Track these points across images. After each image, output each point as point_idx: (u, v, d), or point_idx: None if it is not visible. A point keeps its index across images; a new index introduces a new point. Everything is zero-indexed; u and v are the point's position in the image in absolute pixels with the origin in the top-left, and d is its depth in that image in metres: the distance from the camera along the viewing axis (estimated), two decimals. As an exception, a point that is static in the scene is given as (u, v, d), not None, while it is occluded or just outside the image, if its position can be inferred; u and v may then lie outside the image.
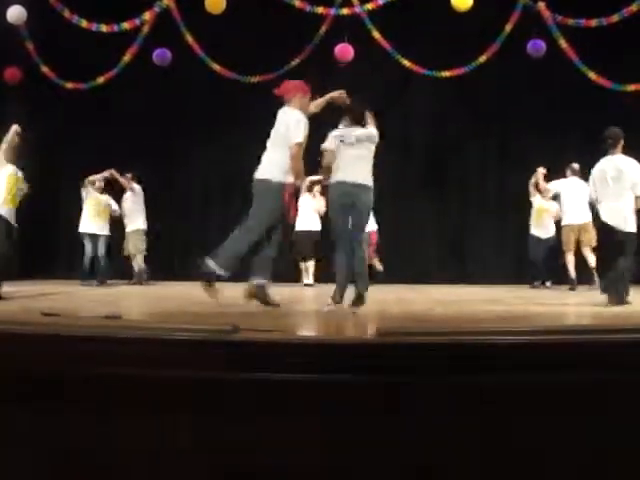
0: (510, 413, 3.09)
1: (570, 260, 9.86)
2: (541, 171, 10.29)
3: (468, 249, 11.88)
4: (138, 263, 10.78)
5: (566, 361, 3.13)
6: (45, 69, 10.61)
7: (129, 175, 10.93)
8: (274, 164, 5.78)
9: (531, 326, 4.52)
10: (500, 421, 3.10)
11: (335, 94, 6.11)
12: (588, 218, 9.22)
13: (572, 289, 9.61)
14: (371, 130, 5.90)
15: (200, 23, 10.19)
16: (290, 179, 5.81)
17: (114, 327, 3.81)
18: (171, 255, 12.20)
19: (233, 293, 6.01)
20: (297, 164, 5.83)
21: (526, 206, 11.30)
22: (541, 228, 10.59)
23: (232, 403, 3.17)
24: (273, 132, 5.91)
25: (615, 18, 9.69)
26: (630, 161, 6.80)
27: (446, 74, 10.48)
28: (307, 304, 5.93)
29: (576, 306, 7.12)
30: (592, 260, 9.56)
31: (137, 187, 10.96)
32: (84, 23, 10.15)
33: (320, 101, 6.14)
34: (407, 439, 3.11)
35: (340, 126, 5.95)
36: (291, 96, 5.91)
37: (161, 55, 10.31)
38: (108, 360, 3.27)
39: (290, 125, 5.75)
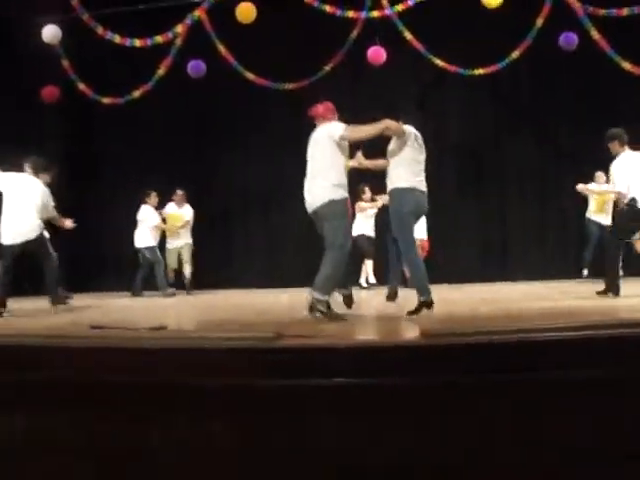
0: (562, 409, 3.06)
1: None
2: (591, 188, 9.90)
3: (508, 246, 11.76)
4: (188, 273, 11.34)
5: (621, 356, 3.09)
6: (82, 86, 10.78)
7: (177, 197, 11.35)
8: (331, 185, 5.57)
9: (580, 321, 4.45)
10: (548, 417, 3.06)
11: (392, 125, 5.79)
12: None
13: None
14: None
15: (231, 33, 10.25)
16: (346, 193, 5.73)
17: (160, 338, 3.85)
18: (213, 264, 12.28)
19: (277, 299, 6.00)
20: (365, 130, 5.74)
21: (565, 200, 11.14)
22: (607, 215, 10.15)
23: (276, 410, 3.18)
24: (314, 153, 5.74)
25: (648, 6, 9.51)
26: None
27: (479, 72, 10.40)
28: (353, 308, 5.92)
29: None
30: None
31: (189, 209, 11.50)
32: (117, 39, 10.29)
33: (373, 130, 5.79)
34: (455, 439, 3.08)
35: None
36: (325, 119, 5.81)
37: (196, 67, 10.38)
38: (154, 370, 3.31)
39: (331, 130, 5.64)
